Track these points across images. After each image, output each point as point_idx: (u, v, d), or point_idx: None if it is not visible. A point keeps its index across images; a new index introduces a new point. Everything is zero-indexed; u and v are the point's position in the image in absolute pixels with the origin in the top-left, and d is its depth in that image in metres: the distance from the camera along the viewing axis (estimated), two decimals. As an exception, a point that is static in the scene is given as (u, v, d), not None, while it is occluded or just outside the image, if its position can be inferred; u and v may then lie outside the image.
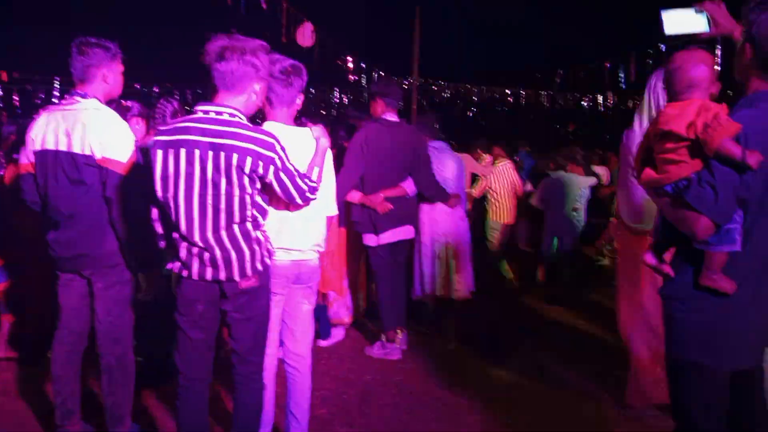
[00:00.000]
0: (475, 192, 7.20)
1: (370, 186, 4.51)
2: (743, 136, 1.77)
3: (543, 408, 3.85)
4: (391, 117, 4.61)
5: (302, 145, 2.89)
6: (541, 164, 8.41)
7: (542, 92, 14.21)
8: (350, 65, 11.35)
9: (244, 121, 2.47)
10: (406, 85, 14.59)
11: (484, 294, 5.96)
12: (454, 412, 3.79)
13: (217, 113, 2.44)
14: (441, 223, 5.01)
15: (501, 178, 7.24)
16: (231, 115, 2.44)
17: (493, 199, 7.25)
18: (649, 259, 2.12)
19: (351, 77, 11.71)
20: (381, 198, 4.48)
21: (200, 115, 2.45)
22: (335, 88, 14.74)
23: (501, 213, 7.22)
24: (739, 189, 1.80)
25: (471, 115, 18.67)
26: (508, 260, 7.50)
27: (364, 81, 12.28)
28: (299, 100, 2.93)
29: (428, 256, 5.04)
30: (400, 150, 4.55)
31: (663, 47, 7.85)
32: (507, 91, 15.46)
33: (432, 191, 4.75)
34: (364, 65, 11.95)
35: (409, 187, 4.62)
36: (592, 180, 7.15)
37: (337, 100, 14.92)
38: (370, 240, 4.61)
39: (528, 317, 6.08)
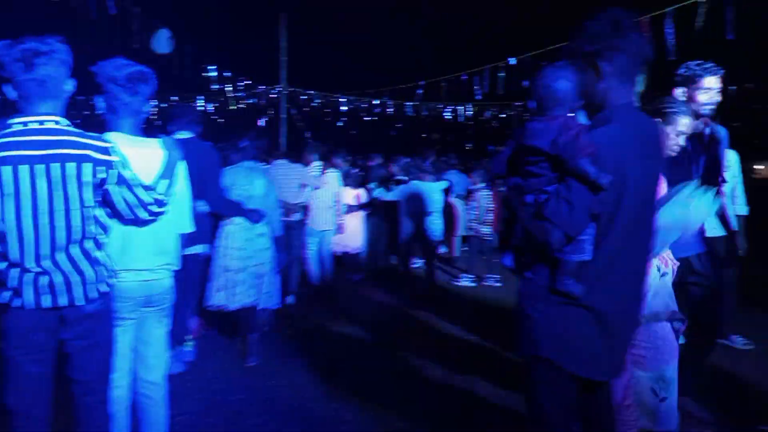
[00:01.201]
0: (302, 200, 7.07)
1: None
2: (599, 154, 1.89)
3: (416, 409, 3.89)
4: (186, 135, 4.61)
5: (149, 157, 2.70)
6: (398, 171, 8.67)
7: (407, 102, 14.58)
8: (213, 73, 11.00)
9: (72, 127, 2.28)
10: (274, 94, 14.42)
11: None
12: (325, 425, 3.74)
13: (40, 123, 2.23)
14: (236, 238, 4.94)
15: (327, 188, 7.31)
16: (56, 122, 2.25)
17: (315, 208, 7.24)
18: (508, 261, 2.21)
19: (214, 85, 11.35)
20: None
21: (19, 128, 2.22)
22: (198, 97, 14.24)
23: (319, 221, 7.25)
24: (593, 205, 1.92)
25: (341, 124, 18.76)
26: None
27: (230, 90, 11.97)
28: (147, 109, 2.75)
29: (221, 268, 4.94)
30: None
31: (513, 61, 8.35)
32: (374, 101, 15.72)
33: (221, 208, 4.75)
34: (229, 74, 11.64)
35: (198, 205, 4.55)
36: (443, 184, 7.66)
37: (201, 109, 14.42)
38: None
39: (376, 319, 6.19)
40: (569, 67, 2.08)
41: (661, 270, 2.86)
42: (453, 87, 11.32)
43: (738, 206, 4.90)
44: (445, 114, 15.17)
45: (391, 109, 15.41)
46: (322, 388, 4.28)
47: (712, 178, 3.81)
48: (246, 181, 4.89)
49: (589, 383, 2.08)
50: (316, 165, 7.47)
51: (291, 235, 6.77)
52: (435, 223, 7.39)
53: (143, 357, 2.84)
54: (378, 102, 15.09)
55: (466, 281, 8.02)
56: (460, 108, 14.61)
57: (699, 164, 3.70)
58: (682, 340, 4.90)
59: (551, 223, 1.92)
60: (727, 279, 5.06)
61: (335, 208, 7.44)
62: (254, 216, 4.86)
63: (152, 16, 8.24)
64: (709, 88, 3.59)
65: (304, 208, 7.11)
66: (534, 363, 2.06)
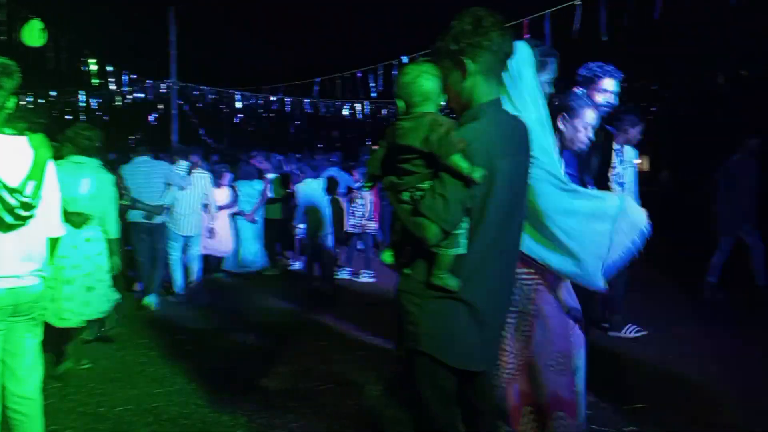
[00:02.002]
0: (166, 201, 6.68)
1: None
2: (469, 150, 1.93)
3: (308, 410, 3.86)
4: None
5: (14, 156, 2.51)
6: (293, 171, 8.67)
7: (305, 99, 14.43)
8: (93, 67, 10.39)
9: None
10: (164, 88, 13.83)
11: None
12: (218, 430, 3.64)
13: None
14: (63, 246, 4.65)
15: (193, 189, 7.03)
16: None
17: (180, 210, 6.93)
18: (387, 257, 2.23)
19: (95, 80, 10.72)
20: None
21: None
22: (80, 92, 13.42)
23: (183, 225, 6.97)
24: (466, 200, 1.97)
25: (237, 120, 18.29)
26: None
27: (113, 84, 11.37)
28: (11, 104, 2.55)
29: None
30: None
31: (406, 59, 8.47)
32: (272, 98, 15.45)
33: None
34: (112, 68, 11.05)
35: None
36: (323, 182, 7.71)
37: (83, 105, 13.59)
38: None
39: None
40: (432, 65, 2.12)
41: None
42: (349, 84, 11.34)
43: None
44: (343, 111, 15.17)
45: (289, 106, 15.19)
46: (211, 393, 4.16)
47: (603, 177, 4.04)
48: (71, 180, 4.34)
49: (468, 373, 2.14)
50: (183, 164, 7.12)
51: (154, 238, 6.49)
52: (328, 221, 7.41)
53: (12, 370, 2.64)
54: (275, 98, 14.81)
55: (346, 274, 8.11)
56: (358, 105, 14.66)
57: (592, 163, 3.88)
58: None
59: (427, 218, 1.96)
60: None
61: (205, 211, 7.15)
62: (78, 219, 4.37)
63: (23, 4, 7.66)
64: (607, 90, 3.77)
65: (169, 210, 6.74)
66: (414, 357, 2.10)
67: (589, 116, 2.97)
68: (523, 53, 2.47)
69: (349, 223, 8.23)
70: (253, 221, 8.27)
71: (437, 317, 2.05)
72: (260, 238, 8.42)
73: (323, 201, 7.40)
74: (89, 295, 4.44)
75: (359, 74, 10.78)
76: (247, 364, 4.75)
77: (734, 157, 6.87)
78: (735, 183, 6.71)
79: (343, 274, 8.11)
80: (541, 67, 2.71)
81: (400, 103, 2.12)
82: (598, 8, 5.85)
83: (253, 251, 8.28)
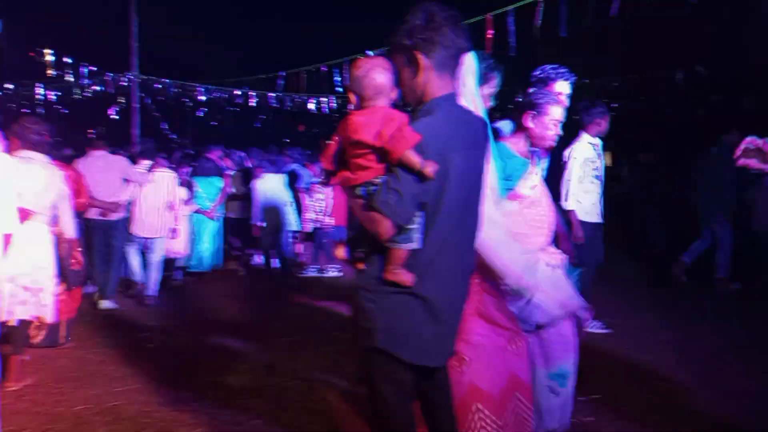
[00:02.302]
0: (123, 198, 6.49)
1: None
2: (423, 144, 1.94)
3: (271, 406, 3.84)
4: None
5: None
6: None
7: (269, 93, 14.32)
8: (49, 58, 10.13)
9: None
10: (125, 81, 13.57)
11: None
12: (179, 429, 3.59)
13: None
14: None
15: (154, 189, 6.78)
16: None
17: (140, 211, 6.70)
18: (342, 253, 2.23)
19: (51, 72, 10.46)
20: None
21: None
22: (38, 84, 13.08)
23: (143, 226, 6.74)
24: (420, 195, 1.98)
25: (202, 115, 18.07)
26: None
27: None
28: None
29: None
30: None
31: (371, 53, 8.46)
32: (236, 92, 15.28)
33: None
34: (71, 60, 10.79)
35: None
36: (285, 177, 7.73)
37: (41, 97, 13.25)
38: None
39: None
40: (385, 58, 2.12)
41: (551, 265, 2.99)
42: (313, 79, 11.29)
43: (563, 201, 5.29)
44: (308, 106, 15.08)
45: (254, 101, 15.05)
46: (173, 391, 4.10)
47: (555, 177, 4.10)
48: (18, 175, 4.04)
49: (425, 368, 2.15)
50: (145, 162, 6.92)
51: (109, 235, 6.34)
52: (289, 217, 7.37)
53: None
54: (239, 92, 14.67)
55: (312, 272, 8.05)
56: (324, 99, 14.60)
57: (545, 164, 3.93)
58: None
59: (381, 213, 1.96)
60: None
61: (168, 213, 6.86)
62: (22, 216, 4.04)
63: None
64: (560, 92, 3.78)
65: (128, 207, 6.57)
66: (371, 353, 2.10)
67: (556, 112, 3.00)
68: (468, 62, 2.49)
69: (309, 219, 8.15)
70: (211, 218, 8.10)
71: (392, 313, 2.06)
72: (219, 236, 8.27)
73: (284, 197, 7.35)
74: (31, 296, 4.25)
75: (324, 68, 10.73)
76: (209, 362, 4.70)
77: (712, 152, 7.05)
78: (712, 178, 6.90)
79: (311, 272, 8.05)
80: (484, 80, 2.73)
81: (353, 97, 2.12)
82: (559, 4, 5.93)
83: (212, 249, 8.12)
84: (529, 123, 3.03)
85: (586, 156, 5.23)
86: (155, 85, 14.60)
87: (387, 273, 2.02)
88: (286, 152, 9.28)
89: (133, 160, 6.95)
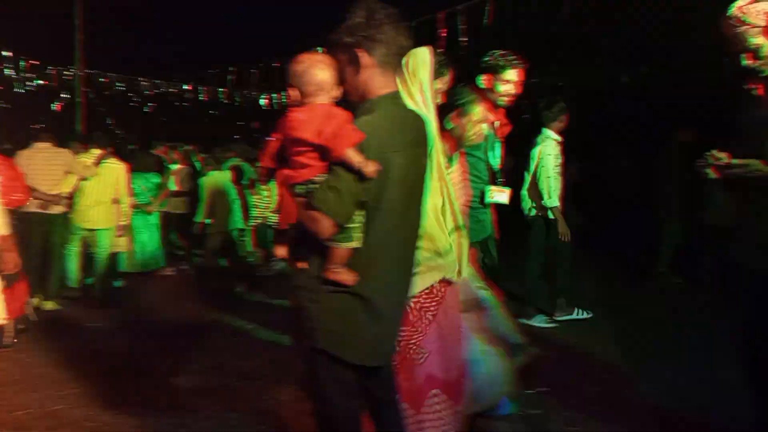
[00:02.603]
0: (65, 191, 6.36)
1: None
2: (364, 143, 1.92)
3: (218, 409, 3.79)
4: None
5: None
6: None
7: (220, 89, 14.08)
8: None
9: None
10: (68, 75, 13.15)
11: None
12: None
13: None
14: None
15: (101, 180, 6.62)
16: None
17: (81, 201, 6.56)
18: (281, 252, 2.21)
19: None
20: None
21: None
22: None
23: (87, 217, 6.58)
24: (360, 193, 1.96)
25: (147, 110, 17.63)
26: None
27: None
28: None
29: None
30: None
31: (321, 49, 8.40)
32: (186, 87, 14.97)
33: None
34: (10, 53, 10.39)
35: None
36: (227, 174, 7.55)
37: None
38: None
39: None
40: (326, 55, 2.10)
41: None
42: (264, 74, 11.15)
43: (546, 199, 5.44)
44: (260, 102, 14.89)
45: (203, 96, 14.78)
46: (117, 394, 4.01)
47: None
48: None
49: (368, 368, 2.14)
50: (93, 153, 6.74)
51: (49, 230, 6.16)
52: (235, 214, 7.27)
53: None
54: (188, 87, 14.36)
55: (260, 270, 7.94)
56: (275, 95, 14.44)
57: (494, 154, 3.96)
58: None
59: (321, 212, 1.94)
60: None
61: (116, 205, 6.71)
62: None
63: None
64: (509, 80, 3.75)
65: (69, 200, 6.38)
66: (312, 353, 2.08)
67: (479, 113, 3.00)
68: (422, 55, 2.50)
69: (253, 216, 8.02)
70: (150, 213, 7.92)
71: (333, 313, 2.04)
72: (160, 234, 8.09)
73: (230, 193, 7.22)
74: None
75: (275, 64, 10.61)
76: (155, 364, 4.60)
77: (665, 149, 7.25)
78: (666, 175, 7.10)
79: (259, 271, 7.93)
80: (436, 75, 2.74)
81: (293, 94, 2.09)
82: (507, 4, 6.03)
83: (152, 248, 7.96)
84: (454, 122, 3.02)
85: (555, 153, 5.39)
86: (100, 79, 14.19)
87: (327, 272, 2.01)
88: (229, 148, 9.14)
89: (82, 146, 6.78)
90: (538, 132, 5.59)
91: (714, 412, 3.64)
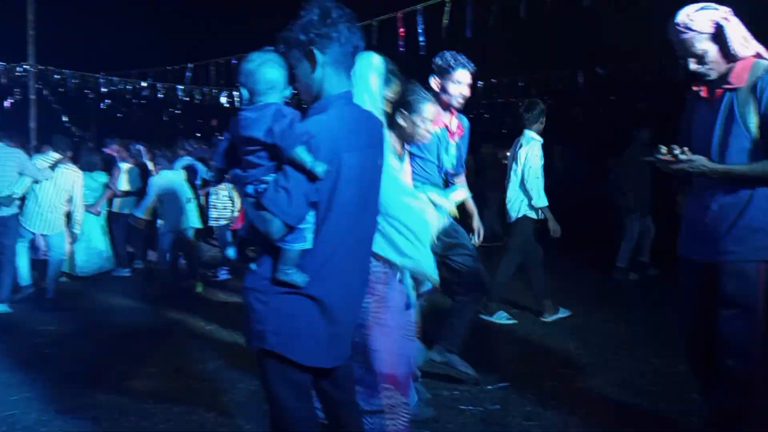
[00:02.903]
0: (15, 192, 6.21)
1: None
2: (314, 143, 1.89)
3: (180, 411, 3.74)
4: None
5: None
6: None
7: (178, 86, 13.82)
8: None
9: None
10: (20, 72, 12.76)
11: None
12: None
13: None
14: None
15: (57, 184, 6.55)
16: None
17: (32, 204, 6.45)
18: (232, 253, 2.19)
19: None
20: None
21: None
22: None
23: (37, 222, 6.47)
24: (311, 194, 1.93)
25: (104, 107, 17.22)
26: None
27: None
28: None
29: None
30: None
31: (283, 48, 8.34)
32: (143, 83, 14.66)
33: None
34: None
35: None
36: (181, 173, 7.44)
37: None
38: None
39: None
40: (278, 54, 2.07)
41: None
42: (223, 71, 10.98)
43: (536, 199, 5.51)
44: (221, 99, 14.67)
45: (161, 93, 14.47)
46: (72, 398, 3.92)
47: (460, 166, 4.16)
48: None
49: (320, 369, 2.13)
50: (50, 156, 6.64)
51: (2, 232, 6.03)
52: (190, 213, 7.13)
53: None
54: (145, 84, 14.04)
55: (225, 273, 7.70)
56: (236, 93, 14.24)
57: (448, 156, 3.98)
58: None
59: (270, 212, 1.91)
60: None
61: (70, 210, 6.65)
62: None
63: None
64: (460, 81, 3.78)
65: (21, 201, 6.27)
66: (264, 355, 2.06)
67: (428, 111, 2.99)
68: (370, 58, 2.52)
69: (211, 216, 7.83)
70: (97, 214, 7.72)
71: (284, 314, 2.02)
72: (106, 235, 7.90)
73: (183, 192, 7.05)
74: None
75: (234, 61, 10.47)
76: (112, 367, 4.51)
77: (629, 149, 7.39)
78: (630, 176, 7.24)
79: (223, 273, 7.71)
80: (386, 82, 2.74)
81: (244, 92, 2.06)
82: (466, 5, 6.07)
83: (100, 249, 7.76)
84: (400, 120, 3.00)
85: (540, 154, 5.48)
86: (54, 76, 13.80)
87: (278, 273, 1.98)
88: (182, 145, 8.97)
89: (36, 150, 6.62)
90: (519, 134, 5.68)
91: (669, 405, 3.74)
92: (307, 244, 1.99)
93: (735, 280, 2.61)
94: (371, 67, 2.52)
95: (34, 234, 6.50)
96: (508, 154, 6.30)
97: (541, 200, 5.50)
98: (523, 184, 5.55)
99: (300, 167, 1.89)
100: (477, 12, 6.14)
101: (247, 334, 2.09)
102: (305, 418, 2.14)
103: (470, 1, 6.02)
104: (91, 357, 4.79)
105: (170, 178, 7.03)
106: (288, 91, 2.08)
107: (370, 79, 2.51)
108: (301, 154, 1.88)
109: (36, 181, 6.33)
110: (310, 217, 1.98)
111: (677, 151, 2.62)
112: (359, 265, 2.19)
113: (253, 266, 2.08)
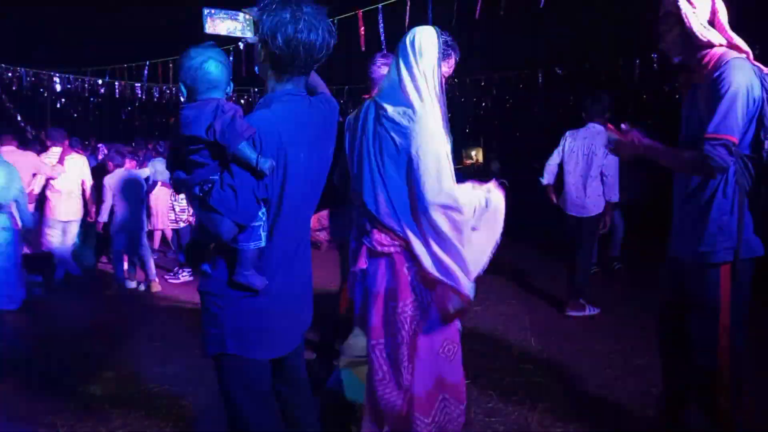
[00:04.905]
0: (35, 189, 6.65)
1: None
2: (258, 138, 1.84)
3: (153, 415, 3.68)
4: None
5: None
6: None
7: (137, 84, 13.58)
8: None
9: None
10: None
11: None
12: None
13: None
14: None
15: (70, 175, 6.88)
16: None
17: (56, 197, 6.82)
18: (183, 257, 2.14)
19: None
20: None
21: None
22: None
23: (63, 210, 6.84)
24: (258, 191, 1.88)
25: (59, 106, 16.81)
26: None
27: None
28: None
29: None
30: None
31: (242, 45, 8.26)
32: (99, 81, 14.34)
33: None
34: None
35: None
36: (146, 173, 7.53)
37: None
38: None
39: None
40: (218, 48, 2.00)
41: None
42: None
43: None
44: (180, 97, 14.44)
45: (118, 91, 14.18)
46: (26, 403, 3.83)
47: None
48: None
49: (277, 363, 2.13)
50: (54, 152, 6.86)
51: None
52: (140, 215, 6.99)
53: None
54: (101, 82, 13.73)
55: (185, 276, 7.45)
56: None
57: None
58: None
59: (218, 212, 1.85)
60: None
61: (83, 197, 6.98)
62: None
63: None
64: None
65: (37, 199, 6.57)
66: (221, 359, 2.02)
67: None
68: (429, 33, 2.51)
69: (170, 219, 7.66)
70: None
71: (242, 316, 1.98)
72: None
73: (137, 192, 6.88)
74: None
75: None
76: (68, 371, 4.39)
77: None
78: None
79: (183, 275, 7.55)
80: (444, 57, 2.73)
81: (183, 90, 1.97)
82: (426, 3, 6.09)
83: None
84: None
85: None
86: (7, 74, 13.42)
87: (236, 276, 1.94)
88: (154, 146, 8.80)
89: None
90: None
91: (630, 398, 3.80)
92: (262, 242, 1.94)
93: (696, 280, 2.56)
94: (427, 41, 2.50)
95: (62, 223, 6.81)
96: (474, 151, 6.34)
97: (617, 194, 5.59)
98: (601, 178, 5.53)
99: (245, 164, 1.83)
100: (436, 10, 6.16)
101: (205, 339, 2.04)
102: (264, 423, 2.10)
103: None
104: (45, 361, 4.66)
105: (122, 176, 6.83)
106: (230, 88, 2.01)
107: (427, 54, 2.49)
108: (245, 150, 1.81)
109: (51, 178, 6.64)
110: (261, 214, 1.93)
111: (624, 126, 2.61)
112: (304, 253, 2.16)
113: (206, 269, 2.02)
